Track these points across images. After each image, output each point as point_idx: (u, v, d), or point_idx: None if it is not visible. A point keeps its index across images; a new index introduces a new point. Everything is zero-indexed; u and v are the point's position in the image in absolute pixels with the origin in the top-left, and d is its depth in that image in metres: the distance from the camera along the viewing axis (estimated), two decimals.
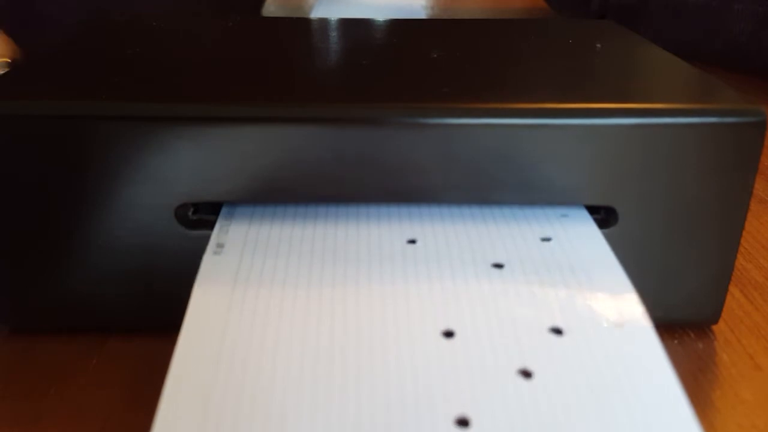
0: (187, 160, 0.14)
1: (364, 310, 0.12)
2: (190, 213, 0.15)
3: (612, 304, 0.12)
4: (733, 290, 0.18)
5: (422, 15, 0.51)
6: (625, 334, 0.11)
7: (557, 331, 0.11)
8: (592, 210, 0.15)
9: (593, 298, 0.12)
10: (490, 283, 0.13)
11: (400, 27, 0.21)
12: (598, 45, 0.19)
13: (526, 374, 0.10)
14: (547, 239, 0.14)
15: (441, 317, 0.12)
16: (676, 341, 0.16)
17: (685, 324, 0.16)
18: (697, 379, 0.15)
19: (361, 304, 0.12)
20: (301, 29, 0.21)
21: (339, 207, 0.15)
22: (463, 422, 0.10)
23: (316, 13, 0.50)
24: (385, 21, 0.22)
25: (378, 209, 0.15)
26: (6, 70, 0.25)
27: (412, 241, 0.14)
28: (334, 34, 0.20)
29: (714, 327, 0.16)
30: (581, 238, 0.14)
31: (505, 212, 0.15)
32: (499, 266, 0.13)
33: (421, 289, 0.12)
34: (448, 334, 0.11)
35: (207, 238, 0.14)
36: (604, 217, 0.15)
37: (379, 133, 0.14)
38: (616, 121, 0.14)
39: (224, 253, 0.13)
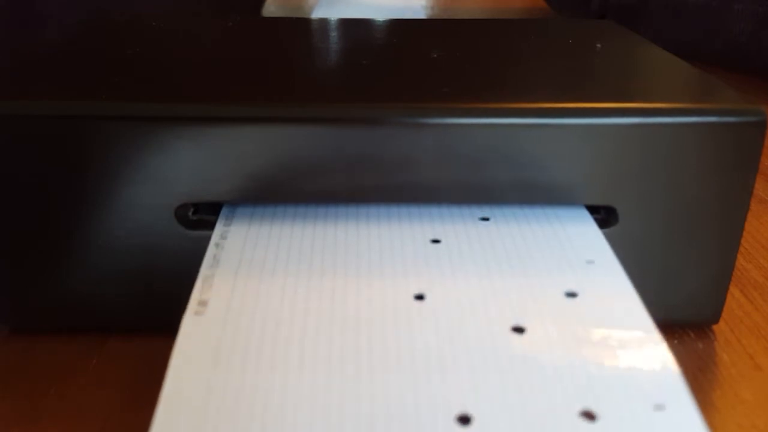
0: (187, 160, 0.14)
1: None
2: (190, 213, 0.15)
3: (651, 379, 0.10)
4: (733, 290, 0.18)
5: (422, 15, 0.51)
6: (666, 418, 0.10)
7: (589, 416, 0.10)
8: (592, 210, 0.15)
9: (629, 372, 0.11)
10: (510, 353, 0.11)
11: (400, 27, 0.21)
12: (598, 45, 0.19)
13: None
14: (572, 294, 0.12)
15: (456, 400, 0.10)
16: (676, 341, 0.16)
17: (685, 324, 0.16)
18: (697, 379, 0.15)
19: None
20: (301, 29, 0.21)
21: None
22: None
23: (316, 14, 0.50)
24: (385, 21, 0.22)
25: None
26: None
27: (420, 297, 0.12)
28: (334, 34, 0.20)
29: (714, 327, 0.16)
30: (611, 292, 0.12)
31: (524, 259, 0.13)
32: (519, 330, 0.11)
33: (430, 365, 0.11)
34: (464, 420, 0.10)
35: (207, 238, 0.14)
36: (604, 217, 0.15)
37: (379, 133, 0.14)
38: (616, 120, 0.14)
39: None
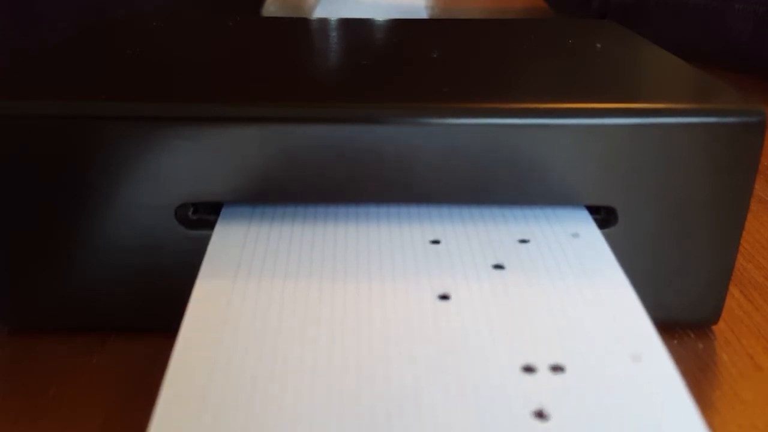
0: (187, 160, 0.14)
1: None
2: (190, 213, 0.15)
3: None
4: (733, 290, 0.18)
5: (422, 15, 0.51)
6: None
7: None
8: (592, 210, 0.15)
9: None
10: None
11: (400, 27, 0.21)
12: (598, 45, 0.19)
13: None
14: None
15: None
16: (676, 341, 0.16)
17: (685, 324, 0.16)
18: (697, 379, 0.15)
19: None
20: (301, 29, 0.21)
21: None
22: None
23: (316, 14, 0.50)
24: (385, 21, 0.22)
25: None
26: None
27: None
28: (334, 34, 0.20)
29: (714, 327, 0.16)
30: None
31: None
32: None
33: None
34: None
35: (207, 238, 0.14)
36: (604, 217, 0.15)
37: (379, 133, 0.14)
38: (616, 121, 0.14)
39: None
